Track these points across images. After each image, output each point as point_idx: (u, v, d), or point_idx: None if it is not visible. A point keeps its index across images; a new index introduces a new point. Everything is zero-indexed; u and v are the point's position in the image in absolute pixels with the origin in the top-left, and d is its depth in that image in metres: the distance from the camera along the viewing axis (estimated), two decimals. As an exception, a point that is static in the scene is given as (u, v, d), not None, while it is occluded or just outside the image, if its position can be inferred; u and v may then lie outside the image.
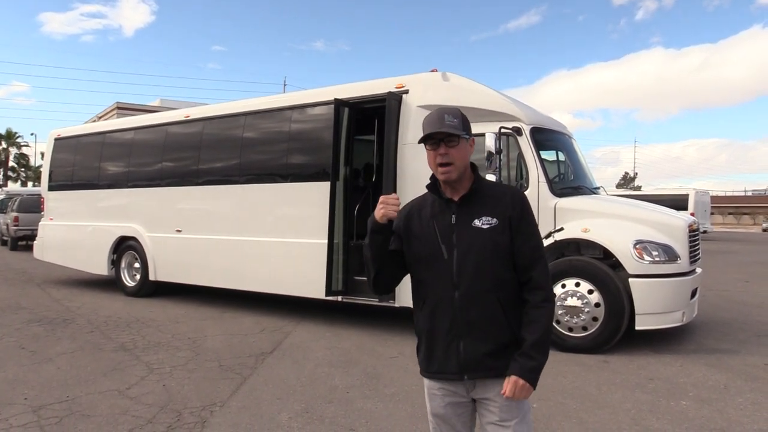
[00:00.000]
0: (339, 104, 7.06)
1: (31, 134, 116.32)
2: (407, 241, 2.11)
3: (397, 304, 6.77)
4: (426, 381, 2.13)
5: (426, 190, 2.14)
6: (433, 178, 2.10)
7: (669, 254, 6.14)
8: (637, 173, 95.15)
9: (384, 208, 2.02)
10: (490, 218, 2.00)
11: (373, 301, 6.95)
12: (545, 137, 6.99)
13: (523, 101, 7.54)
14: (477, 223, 2.00)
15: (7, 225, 19.90)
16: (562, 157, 7.34)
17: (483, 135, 6.15)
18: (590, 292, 5.99)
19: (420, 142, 2.05)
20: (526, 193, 5.94)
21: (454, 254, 2.00)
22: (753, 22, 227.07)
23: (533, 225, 2.05)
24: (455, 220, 2.03)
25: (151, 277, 9.34)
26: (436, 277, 2.03)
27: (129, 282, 9.82)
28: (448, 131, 1.98)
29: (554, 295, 2.04)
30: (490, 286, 1.97)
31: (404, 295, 6.68)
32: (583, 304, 5.98)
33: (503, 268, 1.99)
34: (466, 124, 2.06)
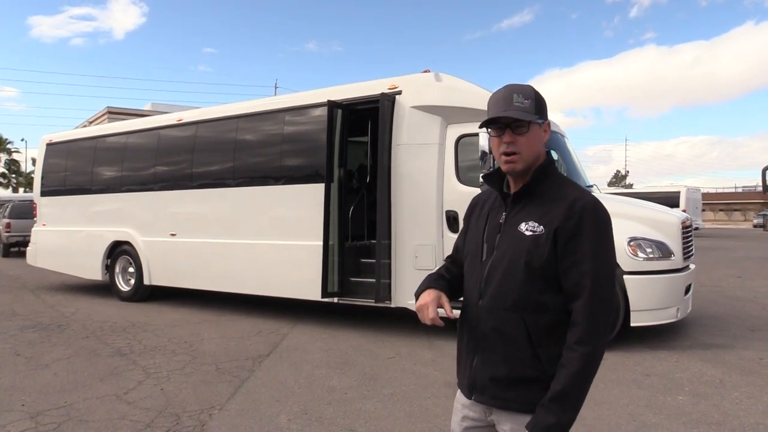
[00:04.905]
0: (332, 106, 7.06)
1: (22, 140, 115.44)
2: (465, 233, 1.89)
3: (393, 305, 6.78)
4: (458, 390, 1.89)
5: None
6: (499, 167, 1.79)
7: (663, 251, 6.19)
8: (628, 171, 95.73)
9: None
10: (536, 224, 1.64)
11: (369, 302, 6.95)
12: (538, 136, 7.01)
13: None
14: (522, 227, 1.66)
15: (-1, 231, 19.78)
16: (555, 155, 7.37)
17: (477, 135, 6.20)
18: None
19: (482, 126, 1.74)
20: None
21: (491, 258, 1.71)
22: (746, 19, 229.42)
23: (592, 245, 1.60)
24: (504, 219, 1.73)
25: (146, 282, 9.31)
26: (471, 278, 1.78)
27: (124, 287, 9.78)
28: (514, 116, 1.64)
29: (601, 337, 1.58)
30: (514, 304, 1.64)
31: (400, 295, 6.70)
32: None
33: (538, 288, 1.63)
34: (540, 106, 1.71)
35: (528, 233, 1.65)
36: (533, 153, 1.70)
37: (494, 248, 1.71)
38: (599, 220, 1.64)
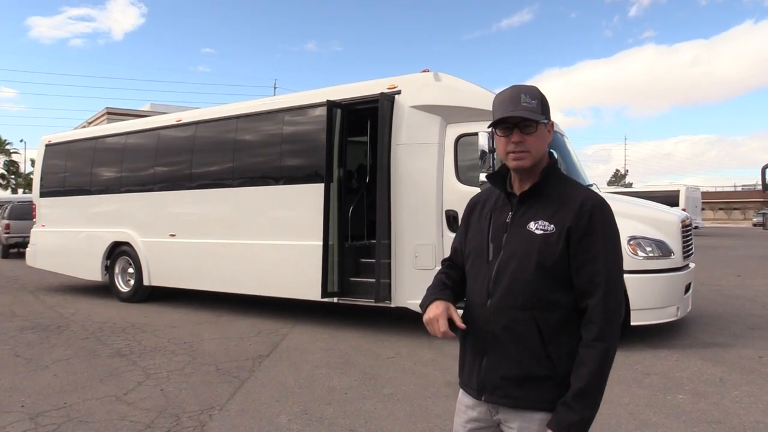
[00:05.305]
0: (331, 106, 7.06)
1: (21, 141, 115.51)
2: (465, 233, 1.89)
3: (393, 305, 6.78)
4: (460, 392, 1.88)
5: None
6: (502, 167, 1.82)
7: (662, 250, 6.19)
8: (628, 170, 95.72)
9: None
10: (546, 223, 1.66)
11: (369, 302, 6.95)
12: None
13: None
14: (531, 226, 1.68)
15: (-2, 233, 19.75)
16: (554, 155, 7.36)
17: (476, 134, 6.20)
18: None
19: (490, 126, 1.75)
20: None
21: (498, 257, 1.71)
22: (746, 18, 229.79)
23: (603, 244, 1.63)
24: (511, 218, 1.74)
25: (146, 282, 9.30)
26: (475, 278, 1.77)
27: (123, 287, 9.77)
28: (523, 115, 1.66)
29: (616, 333, 1.62)
30: (525, 302, 1.65)
31: (400, 295, 6.70)
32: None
33: (548, 287, 1.64)
34: (545, 107, 1.73)
35: (538, 232, 1.66)
36: (540, 152, 1.73)
37: (501, 248, 1.72)
38: (608, 219, 1.67)
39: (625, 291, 5.92)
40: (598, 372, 1.57)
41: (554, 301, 1.64)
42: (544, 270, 1.64)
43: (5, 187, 58.04)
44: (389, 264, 6.74)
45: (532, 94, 1.70)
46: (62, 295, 10.47)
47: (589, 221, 1.63)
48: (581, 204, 1.65)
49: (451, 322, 1.71)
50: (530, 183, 1.74)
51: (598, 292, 1.60)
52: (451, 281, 1.87)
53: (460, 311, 1.80)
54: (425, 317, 1.75)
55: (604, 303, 1.60)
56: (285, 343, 6.54)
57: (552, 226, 1.65)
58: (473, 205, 1.92)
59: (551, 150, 1.83)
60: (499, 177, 1.82)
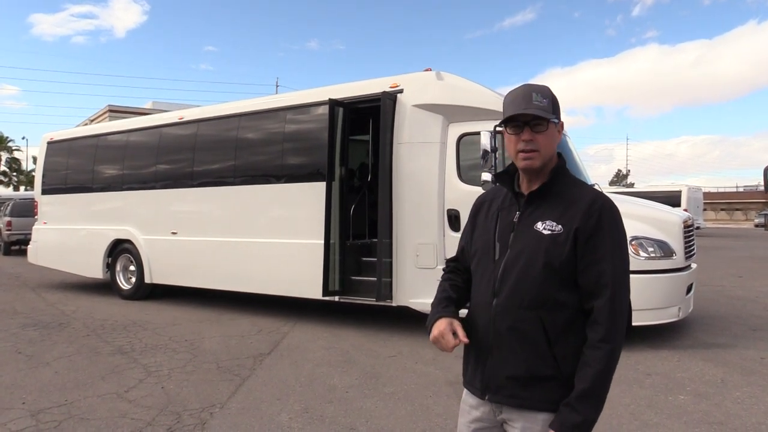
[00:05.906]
0: (333, 104, 7.05)
1: (23, 138, 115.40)
2: (471, 232, 1.89)
3: (394, 304, 6.77)
4: (464, 392, 1.87)
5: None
6: (510, 166, 1.82)
7: (664, 250, 6.19)
8: (629, 170, 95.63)
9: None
10: (554, 224, 1.66)
11: (371, 301, 6.95)
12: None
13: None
14: (539, 226, 1.67)
15: (0, 230, 19.77)
16: (563, 155, 7.34)
17: (478, 133, 6.19)
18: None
19: (500, 124, 1.76)
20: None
21: (505, 257, 1.71)
22: (749, 18, 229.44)
23: (610, 245, 1.63)
24: (518, 218, 1.74)
25: (147, 280, 9.31)
26: (481, 277, 1.77)
27: (124, 285, 9.78)
28: (535, 113, 1.66)
29: (621, 334, 1.62)
30: (531, 302, 1.64)
31: (401, 294, 6.70)
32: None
33: (555, 287, 1.64)
34: (555, 106, 1.73)
35: (546, 232, 1.66)
36: (550, 151, 1.72)
37: (508, 247, 1.72)
38: (616, 220, 1.68)
39: (627, 291, 5.91)
40: (602, 373, 1.57)
41: (561, 301, 1.64)
42: (552, 270, 1.63)
43: (7, 185, 58.14)
44: (390, 263, 6.74)
45: (544, 93, 1.70)
46: (63, 293, 10.48)
47: (597, 222, 1.63)
48: (590, 205, 1.65)
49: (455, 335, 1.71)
50: (539, 183, 1.74)
51: (605, 293, 1.60)
52: (455, 291, 1.87)
53: (464, 311, 1.79)
54: (431, 337, 1.75)
55: (610, 304, 1.60)
56: (286, 341, 6.54)
57: (560, 226, 1.65)
58: (480, 204, 1.92)
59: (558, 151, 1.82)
60: (507, 176, 1.82)
